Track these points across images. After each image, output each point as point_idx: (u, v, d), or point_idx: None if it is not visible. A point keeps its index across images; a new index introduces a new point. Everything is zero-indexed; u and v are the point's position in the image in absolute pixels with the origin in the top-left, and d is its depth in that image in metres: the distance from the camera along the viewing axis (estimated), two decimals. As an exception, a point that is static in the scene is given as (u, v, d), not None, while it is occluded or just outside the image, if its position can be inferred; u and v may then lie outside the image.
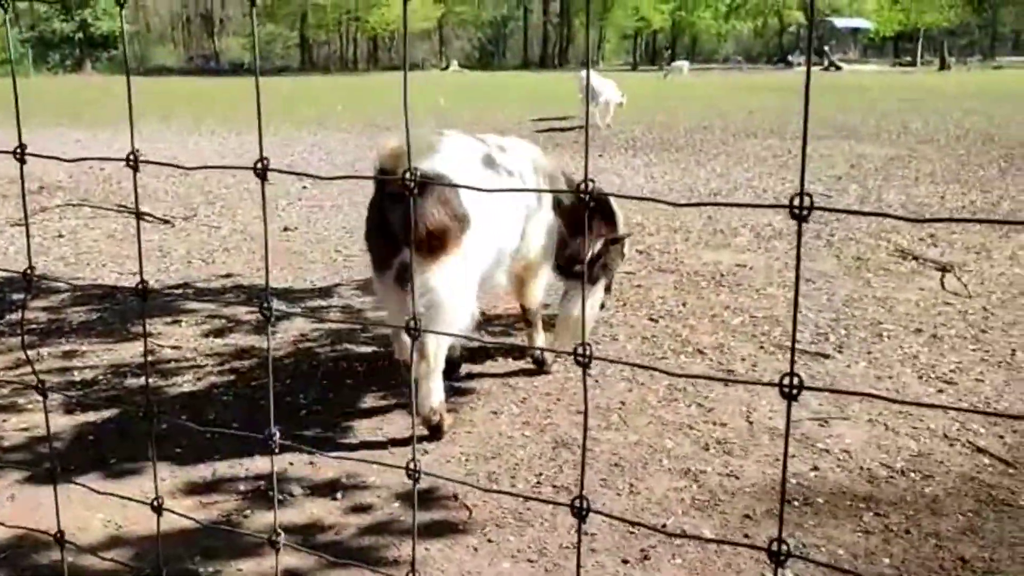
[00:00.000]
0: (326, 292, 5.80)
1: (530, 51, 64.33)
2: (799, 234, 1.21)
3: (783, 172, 11.37)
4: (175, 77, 47.07)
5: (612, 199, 4.38)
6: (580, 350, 1.37)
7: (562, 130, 16.96)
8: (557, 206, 4.05)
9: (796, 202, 1.17)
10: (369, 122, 18.94)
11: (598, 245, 4.27)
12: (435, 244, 3.28)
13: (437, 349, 3.45)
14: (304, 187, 10.35)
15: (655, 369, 1.28)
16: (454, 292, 3.36)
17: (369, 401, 3.97)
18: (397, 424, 3.74)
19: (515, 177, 3.76)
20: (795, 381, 1.21)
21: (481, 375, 4.29)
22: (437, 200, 3.29)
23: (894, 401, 1.16)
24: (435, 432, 3.56)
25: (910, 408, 3.87)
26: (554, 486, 3.21)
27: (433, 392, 3.48)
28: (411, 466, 1.52)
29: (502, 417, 3.80)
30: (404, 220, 3.27)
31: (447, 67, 54.17)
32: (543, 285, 4.27)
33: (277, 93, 28.78)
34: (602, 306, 4.58)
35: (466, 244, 3.36)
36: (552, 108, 21.02)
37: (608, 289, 4.54)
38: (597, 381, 4.21)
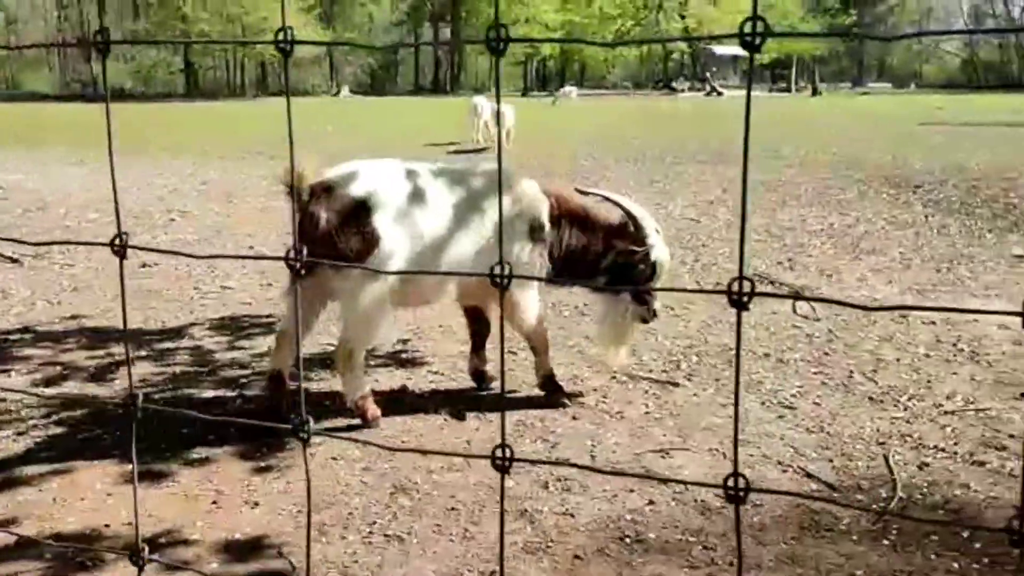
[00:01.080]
0: (177, 333, 5.56)
1: (422, 77, 64.43)
2: (501, 298, 1.18)
3: (659, 198, 11.61)
4: (50, 103, 45.08)
5: (641, 210, 4.25)
6: (302, 430, 1.30)
7: (458, 152, 17.17)
8: (532, 231, 4.06)
9: (497, 269, 1.14)
10: (252, 149, 18.53)
11: (609, 257, 4.22)
12: (343, 253, 3.73)
13: (352, 349, 3.93)
14: (172, 219, 10.01)
15: (369, 443, 1.22)
16: (364, 301, 3.82)
17: (201, 451, 3.79)
18: (228, 475, 3.58)
19: (454, 204, 3.94)
20: (507, 453, 1.17)
21: (323, 416, 4.17)
22: (345, 220, 3.74)
23: (589, 469, 1.14)
24: (364, 420, 4.00)
25: (749, 436, 3.95)
26: (386, 535, 3.12)
27: (354, 388, 4.00)
28: (138, 546, 1.42)
29: (342, 463, 3.69)
30: (301, 231, 3.74)
31: (338, 93, 53.73)
32: (528, 307, 4.20)
33: (159, 120, 27.90)
34: (643, 320, 4.34)
35: (373, 260, 3.72)
36: (445, 133, 21.10)
37: (642, 301, 4.26)
38: (449, 419, 4.15)
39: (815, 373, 4.75)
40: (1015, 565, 2.83)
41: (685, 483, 1.51)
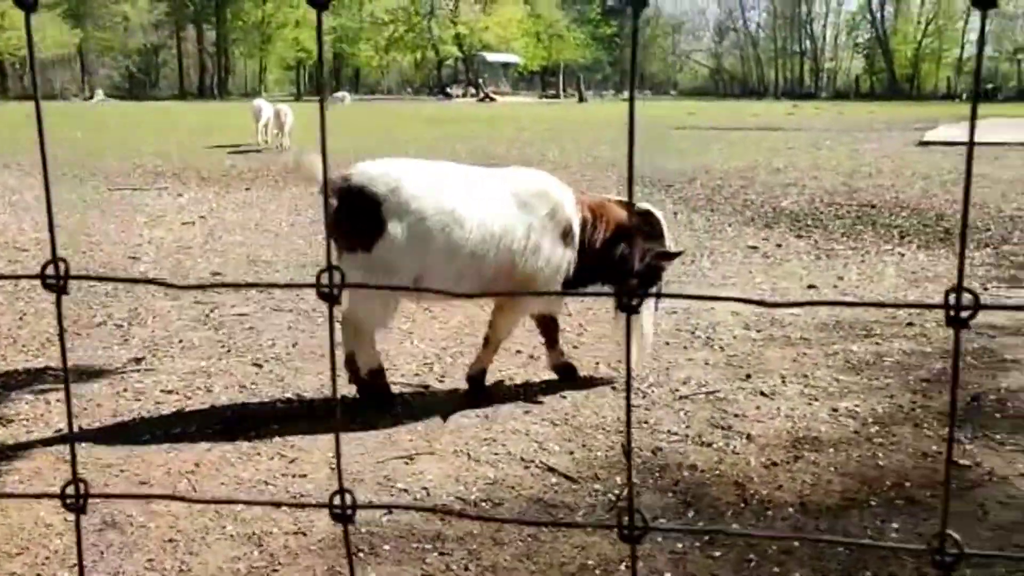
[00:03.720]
0: None
1: (187, 81, 61.06)
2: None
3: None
4: None
5: (661, 217, 4.47)
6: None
7: (242, 152, 16.65)
8: (564, 237, 4.18)
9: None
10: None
11: (645, 260, 4.39)
12: (350, 243, 3.96)
13: (360, 323, 4.11)
14: None
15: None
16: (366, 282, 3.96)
17: None
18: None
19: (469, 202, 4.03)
20: (80, 489, 0.98)
21: (30, 444, 3.71)
22: (352, 209, 3.91)
23: (170, 498, 0.98)
24: (377, 393, 4.21)
25: (495, 434, 3.93)
26: (89, 578, 2.78)
27: (366, 361, 4.19)
28: None
29: (44, 501, 3.27)
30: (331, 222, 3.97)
31: (91, 97, 49.90)
32: (516, 315, 4.39)
33: None
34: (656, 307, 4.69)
35: (380, 247, 3.90)
36: (222, 136, 20.26)
37: (659, 296, 4.53)
38: (178, 441, 3.81)
39: (564, 367, 4.83)
40: (728, 543, 2.96)
41: (290, 505, 1.38)
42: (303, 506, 1.59)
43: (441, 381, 4.63)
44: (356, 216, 3.93)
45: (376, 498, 3.30)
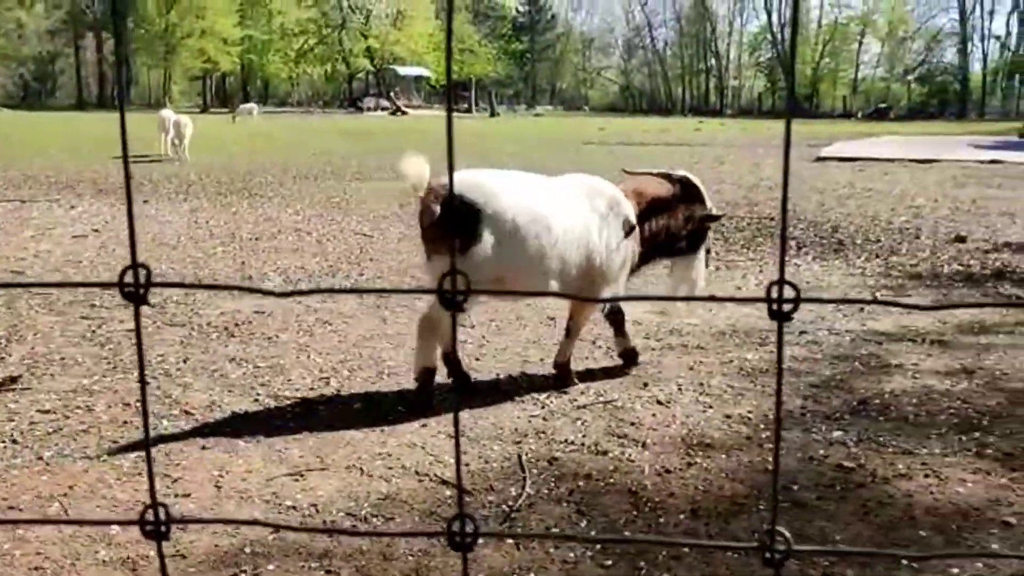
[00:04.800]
0: None
1: (86, 91, 58.90)
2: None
3: (333, 213, 11.40)
4: None
5: (699, 183, 4.92)
6: None
7: (143, 163, 16.03)
8: (624, 228, 4.52)
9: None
10: None
11: (691, 224, 4.87)
12: (435, 248, 4.22)
13: (432, 323, 4.24)
14: None
15: None
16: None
17: None
18: None
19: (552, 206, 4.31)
20: None
21: None
22: (453, 215, 4.10)
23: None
24: (426, 396, 4.31)
25: (390, 448, 3.85)
26: (-57, 611, 2.60)
27: (419, 358, 4.31)
28: None
29: (-101, 530, 3.06)
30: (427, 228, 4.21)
31: (-18, 106, 47.67)
32: (592, 307, 4.78)
33: None
34: (706, 264, 5.17)
35: (473, 251, 4.09)
36: (119, 147, 19.46)
37: (708, 251, 5.14)
38: (52, 463, 3.61)
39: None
40: (620, 551, 2.95)
41: (97, 523, 1.31)
42: (109, 523, 1.53)
43: (337, 394, 4.53)
44: (455, 222, 4.16)
45: (263, 516, 3.19)
